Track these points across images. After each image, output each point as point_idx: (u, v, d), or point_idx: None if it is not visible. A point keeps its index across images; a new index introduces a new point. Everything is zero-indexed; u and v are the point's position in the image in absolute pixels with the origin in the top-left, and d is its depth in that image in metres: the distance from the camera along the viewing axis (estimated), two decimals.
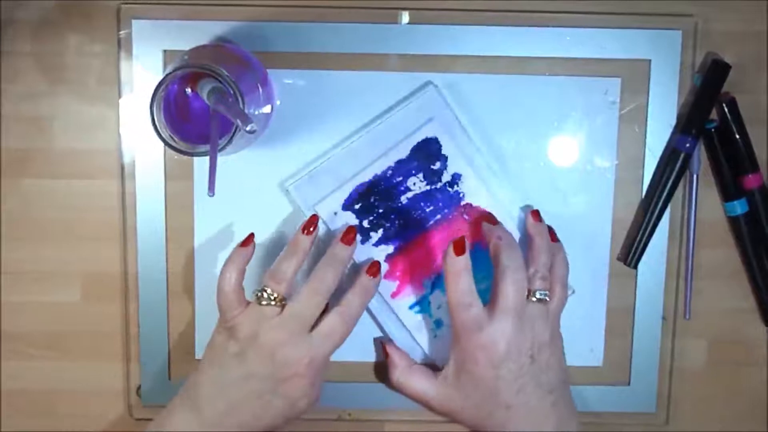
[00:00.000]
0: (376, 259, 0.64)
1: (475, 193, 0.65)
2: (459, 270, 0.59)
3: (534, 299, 0.60)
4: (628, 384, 0.68)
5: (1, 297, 0.67)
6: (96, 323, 0.67)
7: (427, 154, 0.65)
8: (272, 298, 0.59)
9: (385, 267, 0.65)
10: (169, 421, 0.59)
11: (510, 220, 0.65)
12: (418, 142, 0.65)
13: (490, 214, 0.65)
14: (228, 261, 0.61)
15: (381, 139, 0.65)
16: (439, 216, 0.65)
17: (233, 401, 0.58)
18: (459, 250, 0.59)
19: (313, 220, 0.61)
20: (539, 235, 0.62)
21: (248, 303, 0.60)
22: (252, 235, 0.62)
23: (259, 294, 0.59)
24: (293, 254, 0.60)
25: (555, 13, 0.64)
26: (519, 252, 0.60)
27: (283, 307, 0.59)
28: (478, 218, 0.65)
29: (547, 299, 0.60)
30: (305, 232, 0.61)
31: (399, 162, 0.65)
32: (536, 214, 0.64)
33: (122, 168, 0.65)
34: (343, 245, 0.61)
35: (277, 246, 0.66)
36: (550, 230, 0.64)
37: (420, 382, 0.63)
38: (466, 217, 0.65)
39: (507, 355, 0.58)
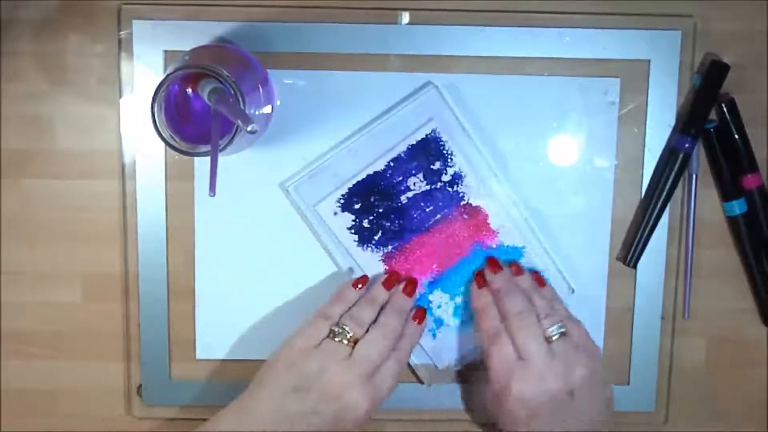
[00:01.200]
0: (422, 306, 0.65)
1: (475, 193, 0.65)
2: (486, 303, 0.62)
3: (556, 336, 0.60)
4: (628, 383, 0.68)
5: (1, 297, 0.67)
6: (97, 323, 0.67)
7: (427, 154, 0.65)
8: (348, 338, 0.59)
9: (384, 267, 0.66)
10: None
11: (509, 220, 0.65)
12: (418, 142, 0.65)
13: (493, 259, 0.65)
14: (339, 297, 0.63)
15: (381, 139, 0.65)
16: (439, 216, 0.65)
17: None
18: (479, 283, 0.63)
19: (395, 278, 0.64)
20: (521, 284, 0.63)
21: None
22: (365, 277, 0.64)
23: (337, 331, 0.60)
24: (372, 303, 0.62)
25: (554, 14, 0.64)
26: (522, 296, 0.61)
27: (353, 349, 0.59)
28: (489, 261, 0.65)
29: (565, 332, 0.60)
30: (385, 286, 0.63)
31: (399, 162, 0.65)
32: (518, 268, 0.64)
33: (123, 168, 0.65)
34: (405, 296, 0.63)
35: (277, 246, 0.66)
36: (536, 274, 0.65)
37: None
38: (465, 216, 0.65)
39: (541, 395, 0.58)
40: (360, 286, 0.63)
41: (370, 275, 0.65)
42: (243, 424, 0.58)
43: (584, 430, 0.59)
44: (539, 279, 0.64)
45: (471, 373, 0.68)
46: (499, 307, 0.61)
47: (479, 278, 0.64)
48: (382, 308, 0.62)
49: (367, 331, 0.60)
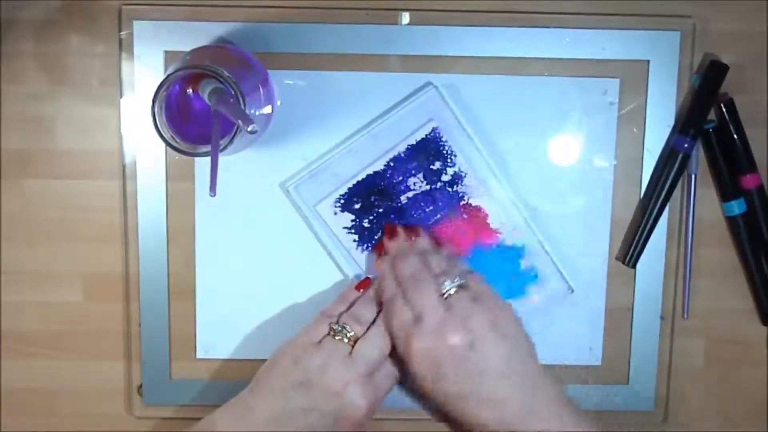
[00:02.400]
0: None
1: (475, 193, 0.65)
2: (383, 272, 0.61)
3: (452, 291, 0.58)
4: (627, 383, 0.68)
5: (1, 297, 0.67)
6: (97, 323, 0.67)
7: (426, 154, 0.65)
8: (348, 336, 0.59)
9: None
10: None
11: (509, 220, 0.65)
12: (418, 142, 0.65)
13: (389, 226, 0.65)
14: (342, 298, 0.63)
15: (381, 139, 0.65)
16: (438, 216, 0.65)
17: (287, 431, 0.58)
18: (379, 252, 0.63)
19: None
20: (417, 247, 0.63)
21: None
22: (367, 279, 0.64)
23: (337, 329, 0.60)
24: (372, 302, 0.62)
25: (554, 14, 0.65)
26: (415, 258, 0.60)
27: (353, 347, 0.59)
28: (406, 232, 0.65)
29: (462, 284, 0.58)
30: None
31: (399, 162, 0.65)
32: (414, 231, 0.64)
33: (123, 168, 0.65)
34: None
35: (278, 246, 0.66)
36: (435, 236, 0.65)
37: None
38: (465, 216, 0.65)
39: (440, 350, 0.57)
40: (362, 289, 0.63)
41: (370, 276, 0.65)
42: (244, 421, 0.58)
43: (495, 379, 0.56)
44: (437, 240, 0.64)
45: None
46: (396, 273, 0.60)
47: (377, 247, 0.64)
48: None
49: (368, 330, 0.60)
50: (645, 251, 0.66)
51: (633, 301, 0.67)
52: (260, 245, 0.66)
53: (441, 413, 0.59)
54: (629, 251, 0.66)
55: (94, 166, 0.66)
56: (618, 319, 0.67)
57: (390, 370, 0.60)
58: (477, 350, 0.56)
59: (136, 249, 0.66)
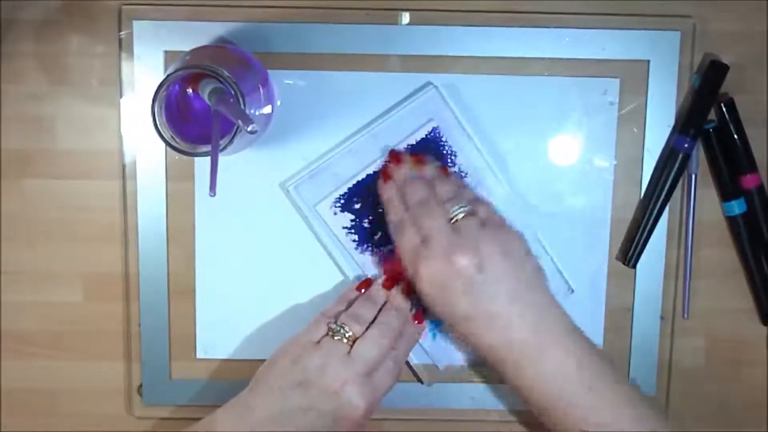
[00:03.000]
0: (420, 308, 0.64)
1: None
2: (389, 197, 0.61)
3: (460, 216, 0.58)
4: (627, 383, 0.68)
5: (1, 297, 0.67)
6: (97, 323, 0.67)
7: (427, 154, 0.65)
8: (347, 336, 0.60)
9: (385, 267, 0.66)
10: None
11: (509, 219, 0.65)
12: (418, 142, 0.65)
13: (395, 152, 0.64)
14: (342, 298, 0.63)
15: (381, 139, 0.65)
16: None
17: (286, 431, 0.58)
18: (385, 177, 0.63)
19: (395, 278, 0.63)
20: (424, 173, 0.62)
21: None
22: (368, 280, 0.64)
23: (336, 329, 0.60)
24: (372, 302, 0.62)
25: (554, 14, 0.65)
26: (423, 184, 0.60)
27: (351, 347, 0.60)
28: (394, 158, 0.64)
29: (472, 211, 0.58)
30: (385, 286, 0.63)
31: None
32: (420, 158, 0.63)
33: (123, 168, 0.65)
34: (404, 296, 0.63)
35: (277, 246, 0.66)
36: (442, 166, 0.64)
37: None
38: None
39: (448, 271, 0.56)
40: (363, 289, 0.63)
41: (370, 275, 0.65)
42: (243, 421, 0.58)
43: (504, 302, 0.56)
44: (444, 169, 0.64)
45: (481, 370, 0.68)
46: (404, 199, 0.61)
47: (384, 172, 0.63)
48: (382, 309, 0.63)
49: (367, 329, 0.60)
50: (645, 251, 0.66)
51: (633, 301, 0.67)
52: (260, 245, 0.66)
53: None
54: (629, 251, 0.66)
55: (94, 166, 0.66)
56: (618, 319, 0.67)
57: (390, 369, 0.60)
58: (485, 272, 0.56)
59: (136, 249, 0.66)
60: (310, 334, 0.60)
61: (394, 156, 0.64)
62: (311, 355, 0.59)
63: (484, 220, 0.59)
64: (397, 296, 0.63)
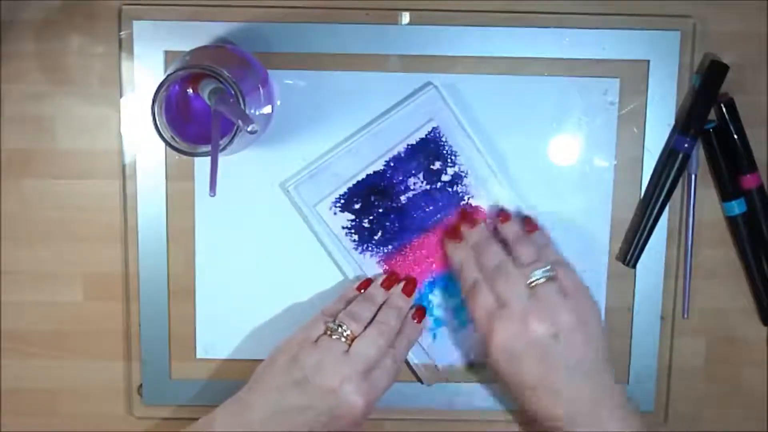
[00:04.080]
0: (421, 304, 0.65)
1: (475, 193, 0.65)
2: (463, 259, 0.61)
3: (540, 281, 0.58)
4: (627, 383, 0.68)
5: (1, 297, 0.67)
6: (97, 323, 0.67)
7: (426, 154, 0.65)
8: (345, 335, 0.60)
9: (384, 267, 0.66)
10: None
11: None
12: (418, 142, 0.65)
13: (465, 212, 0.64)
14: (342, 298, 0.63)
15: (381, 139, 0.65)
16: (439, 216, 0.65)
17: (285, 430, 0.58)
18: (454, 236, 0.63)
19: (395, 278, 0.64)
20: (505, 232, 0.62)
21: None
22: (369, 280, 0.64)
23: (334, 328, 0.60)
24: (371, 301, 0.62)
25: (554, 14, 0.65)
26: (498, 248, 0.60)
27: (349, 346, 0.60)
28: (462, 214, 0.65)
29: (552, 276, 0.58)
30: (384, 286, 0.63)
31: (399, 162, 0.65)
32: (505, 215, 0.63)
33: (123, 168, 0.66)
34: (404, 296, 0.63)
35: (277, 246, 0.66)
36: (527, 219, 0.64)
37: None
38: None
39: (523, 337, 0.57)
40: (363, 289, 0.64)
41: (370, 275, 0.65)
42: (241, 420, 0.58)
43: (573, 375, 0.57)
44: (530, 223, 0.63)
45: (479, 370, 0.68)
46: (478, 262, 0.60)
47: (452, 233, 0.63)
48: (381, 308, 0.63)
49: (365, 328, 0.60)
50: (645, 251, 0.66)
51: (633, 301, 0.67)
52: (260, 245, 0.66)
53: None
54: (629, 251, 0.66)
55: (94, 166, 0.66)
56: (618, 319, 0.67)
57: (388, 367, 0.60)
58: (560, 343, 0.57)
59: (136, 249, 0.66)
60: (308, 332, 0.60)
61: (466, 217, 0.63)
62: (309, 354, 0.59)
63: (565, 287, 0.59)
64: (396, 295, 0.63)
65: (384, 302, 0.63)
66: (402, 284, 0.64)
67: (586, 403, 0.57)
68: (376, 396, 0.60)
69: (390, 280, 0.64)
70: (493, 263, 0.60)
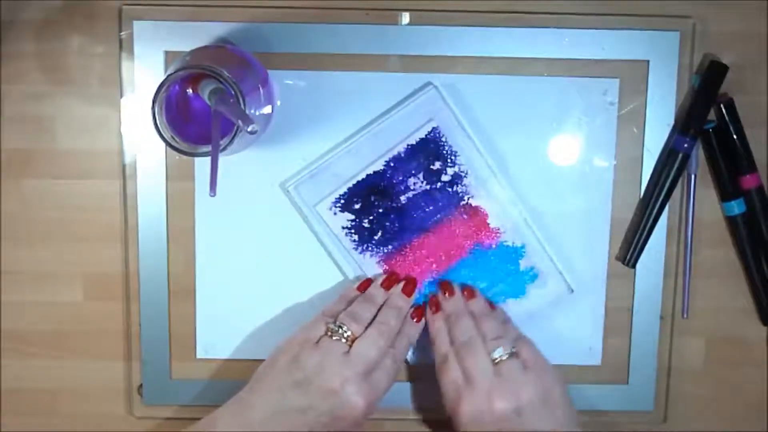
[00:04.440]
0: (419, 304, 0.65)
1: (475, 193, 0.65)
2: (437, 329, 0.63)
3: (504, 358, 0.60)
4: (627, 383, 0.68)
5: (1, 297, 0.67)
6: (97, 323, 0.67)
7: (426, 154, 0.65)
8: (346, 336, 0.60)
9: (384, 267, 0.66)
10: None
11: (509, 220, 0.65)
12: (418, 142, 0.65)
13: (445, 283, 0.65)
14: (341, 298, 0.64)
15: (381, 139, 0.65)
16: (438, 216, 0.65)
17: (285, 430, 0.58)
18: (434, 308, 0.64)
19: (395, 278, 0.65)
20: (472, 308, 0.64)
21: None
22: (369, 280, 0.65)
23: (335, 329, 0.60)
24: (371, 302, 0.63)
25: (554, 15, 0.65)
26: (470, 322, 0.62)
27: (350, 347, 0.60)
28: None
29: (514, 352, 0.60)
30: (384, 286, 0.64)
31: (399, 162, 0.65)
32: (470, 292, 0.65)
33: (123, 168, 0.66)
34: (403, 296, 0.64)
35: (277, 246, 0.66)
36: (486, 300, 0.65)
37: None
38: (465, 217, 0.66)
39: (488, 415, 0.58)
40: (363, 289, 0.64)
41: (370, 275, 0.65)
42: (243, 420, 0.58)
43: None
44: (489, 303, 0.65)
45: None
46: (450, 333, 0.62)
47: (433, 303, 0.65)
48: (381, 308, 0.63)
49: (366, 329, 0.60)
50: (645, 251, 0.66)
51: (633, 301, 0.67)
52: (260, 245, 0.66)
53: None
54: (629, 251, 0.66)
55: (94, 166, 0.66)
56: (618, 318, 0.68)
57: (389, 367, 0.61)
58: (523, 417, 0.58)
59: (136, 249, 0.66)
60: (308, 333, 0.60)
61: (445, 287, 0.65)
62: (310, 355, 0.59)
63: (526, 361, 0.60)
64: (396, 295, 0.63)
65: (384, 302, 0.63)
66: (402, 284, 0.64)
67: None
68: (377, 396, 0.60)
69: (390, 280, 0.64)
70: (463, 338, 0.61)
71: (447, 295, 0.64)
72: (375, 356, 0.60)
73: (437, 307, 0.64)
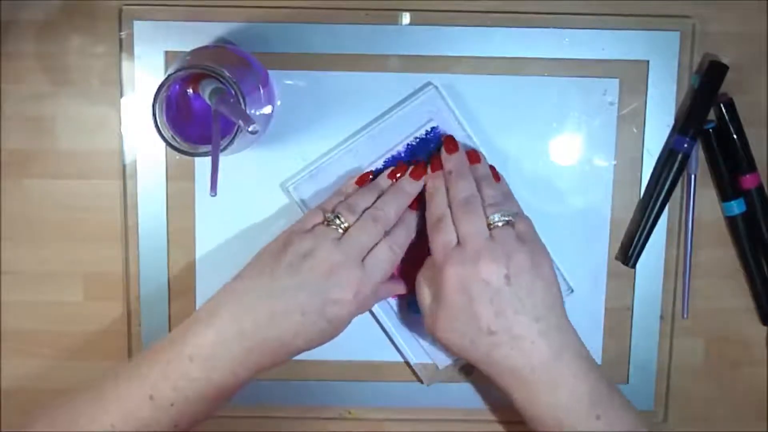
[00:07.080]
0: (419, 161, 0.63)
1: None
2: (436, 187, 0.60)
3: (499, 224, 0.58)
4: (627, 383, 0.68)
5: (2, 297, 0.67)
6: (97, 323, 0.67)
7: (426, 155, 0.65)
8: (342, 226, 0.59)
9: None
10: (202, 331, 0.56)
11: None
12: (418, 142, 0.65)
13: (450, 138, 0.63)
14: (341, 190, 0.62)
15: (381, 139, 0.65)
16: None
17: (277, 311, 0.56)
18: (416, 174, 0.61)
19: (403, 169, 0.62)
20: (475, 172, 0.61)
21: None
22: (369, 173, 0.63)
23: (331, 218, 0.59)
24: (371, 191, 0.61)
25: (554, 15, 0.65)
26: (471, 182, 0.60)
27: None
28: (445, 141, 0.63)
29: (511, 222, 0.58)
30: (391, 177, 0.62)
31: (399, 162, 0.65)
32: (475, 156, 0.62)
33: (124, 168, 0.66)
34: (412, 180, 0.62)
35: None
36: (493, 168, 0.63)
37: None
38: None
39: (475, 277, 0.56)
40: (361, 183, 0.62)
41: (371, 170, 0.65)
42: (227, 305, 0.57)
43: (529, 319, 0.56)
44: (495, 173, 0.63)
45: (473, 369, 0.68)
46: (448, 192, 0.60)
47: (435, 160, 0.62)
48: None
49: (360, 216, 0.59)
50: (645, 251, 0.66)
51: (632, 301, 0.67)
52: (260, 245, 0.66)
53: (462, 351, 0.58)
54: (629, 251, 0.66)
55: (94, 166, 0.66)
56: (618, 319, 0.68)
57: (383, 254, 0.59)
58: (513, 286, 0.56)
59: (136, 249, 0.66)
60: (303, 222, 0.60)
61: (448, 143, 0.62)
62: (302, 240, 0.58)
63: (522, 233, 0.58)
64: (402, 180, 0.62)
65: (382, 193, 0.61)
66: (411, 170, 0.62)
67: (546, 353, 0.56)
68: (373, 282, 0.58)
69: (398, 169, 0.62)
70: (462, 196, 0.59)
71: (449, 153, 0.61)
72: (367, 242, 0.58)
73: (438, 165, 0.62)
